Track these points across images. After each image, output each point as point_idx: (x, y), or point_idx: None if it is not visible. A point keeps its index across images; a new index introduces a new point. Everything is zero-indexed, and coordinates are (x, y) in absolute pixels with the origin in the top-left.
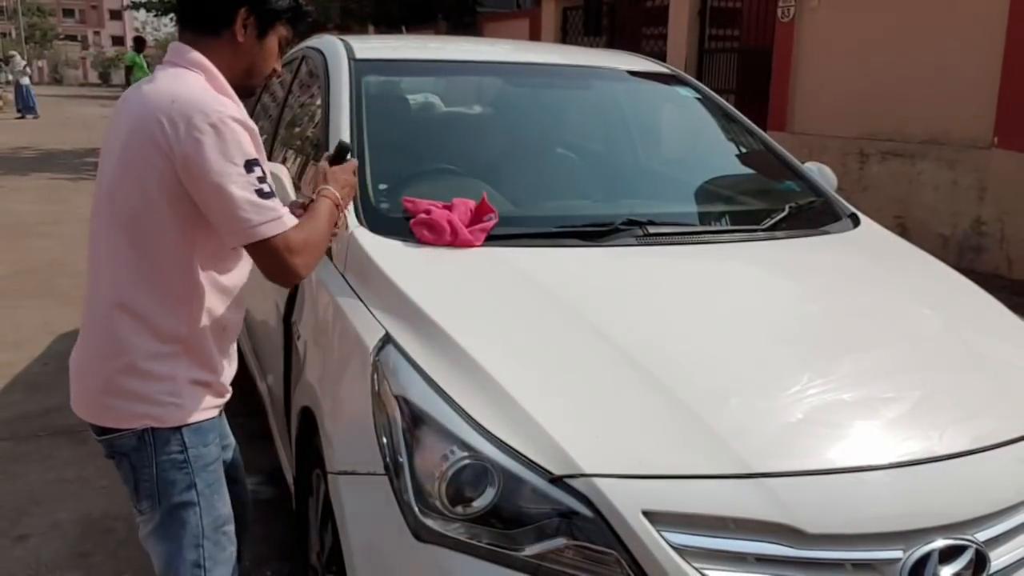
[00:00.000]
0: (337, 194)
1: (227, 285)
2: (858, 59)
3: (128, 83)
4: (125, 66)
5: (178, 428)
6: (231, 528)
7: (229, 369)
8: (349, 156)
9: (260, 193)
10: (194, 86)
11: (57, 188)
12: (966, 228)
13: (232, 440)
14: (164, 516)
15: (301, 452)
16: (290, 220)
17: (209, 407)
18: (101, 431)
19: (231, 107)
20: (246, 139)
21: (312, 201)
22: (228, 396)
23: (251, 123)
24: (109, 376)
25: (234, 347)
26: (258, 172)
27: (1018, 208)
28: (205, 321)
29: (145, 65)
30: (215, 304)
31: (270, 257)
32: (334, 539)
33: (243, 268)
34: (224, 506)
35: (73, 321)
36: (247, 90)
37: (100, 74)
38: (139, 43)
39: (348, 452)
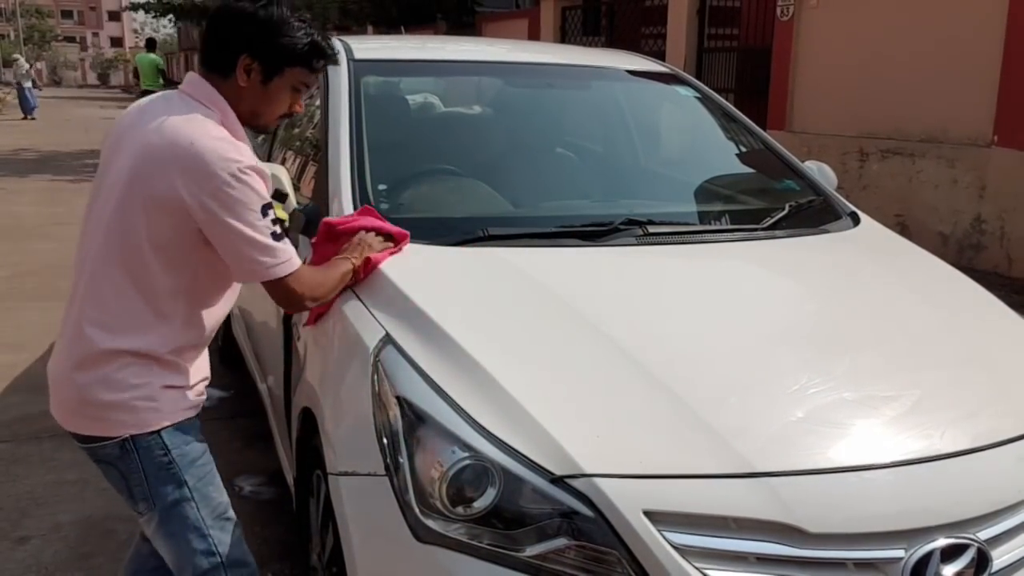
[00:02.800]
0: (358, 262)
1: (211, 315)
2: (857, 58)
3: (137, 83)
4: (133, 67)
5: (158, 431)
6: (232, 513)
7: (202, 374)
8: (287, 201)
9: (274, 236)
10: (212, 131)
11: (58, 190)
12: (966, 226)
13: None
14: (162, 515)
15: (302, 453)
16: (298, 261)
17: (186, 408)
18: (82, 439)
19: (247, 154)
20: (260, 185)
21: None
22: (204, 397)
23: (262, 167)
24: (84, 386)
25: (206, 352)
26: (271, 215)
27: (1018, 206)
28: (182, 342)
29: (161, 63)
30: (195, 330)
31: (281, 292)
32: (335, 540)
33: (228, 301)
34: (220, 494)
35: None
36: (257, 130)
37: (99, 75)
38: (151, 44)
39: (349, 453)
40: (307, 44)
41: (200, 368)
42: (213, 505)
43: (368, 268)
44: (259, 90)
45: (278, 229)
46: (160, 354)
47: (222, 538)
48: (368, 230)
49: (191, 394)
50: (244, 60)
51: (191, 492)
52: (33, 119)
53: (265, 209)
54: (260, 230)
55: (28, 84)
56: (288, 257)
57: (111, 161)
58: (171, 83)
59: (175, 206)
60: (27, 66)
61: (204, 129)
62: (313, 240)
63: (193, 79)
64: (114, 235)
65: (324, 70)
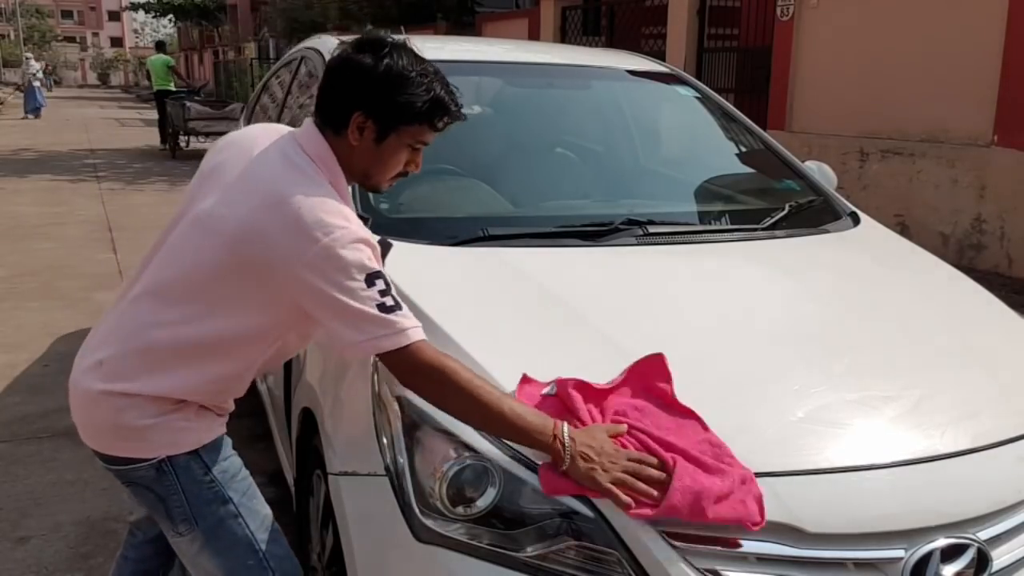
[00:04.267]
0: (564, 456)
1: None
2: (858, 57)
3: (150, 85)
4: (146, 71)
5: (195, 451)
6: (276, 524)
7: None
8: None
9: (382, 307)
10: (320, 194)
11: (57, 190)
12: (966, 226)
13: None
14: (208, 535)
15: (301, 453)
16: (417, 334)
17: (219, 424)
18: (111, 459)
19: (354, 221)
20: (367, 255)
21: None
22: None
23: (372, 239)
24: (118, 410)
25: None
26: (380, 286)
27: (1018, 206)
28: (229, 395)
29: (171, 62)
30: (242, 383)
31: (397, 368)
32: (335, 540)
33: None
34: (264, 507)
35: (74, 323)
36: (370, 189)
37: (99, 75)
38: (160, 46)
39: (348, 453)
40: (427, 102)
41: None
42: (260, 518)
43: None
44: (372, 149)
45: (389, 301)
46: (203, 402)
47: (273, 551)
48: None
49: (221, 411)
50: (357, 118)
51: (237, 508)
52: (38, 118)
53: (371, 279)
54: (363, 300)
55: (38, 84)
56: (400, 328)
57: (203, 193)
58: (183, 80)
59: (260, 268)
60: (37, 65)
61: (312, 193)
62: None
63: (309, 131)
64: (184, 280)
65: (448, 126)
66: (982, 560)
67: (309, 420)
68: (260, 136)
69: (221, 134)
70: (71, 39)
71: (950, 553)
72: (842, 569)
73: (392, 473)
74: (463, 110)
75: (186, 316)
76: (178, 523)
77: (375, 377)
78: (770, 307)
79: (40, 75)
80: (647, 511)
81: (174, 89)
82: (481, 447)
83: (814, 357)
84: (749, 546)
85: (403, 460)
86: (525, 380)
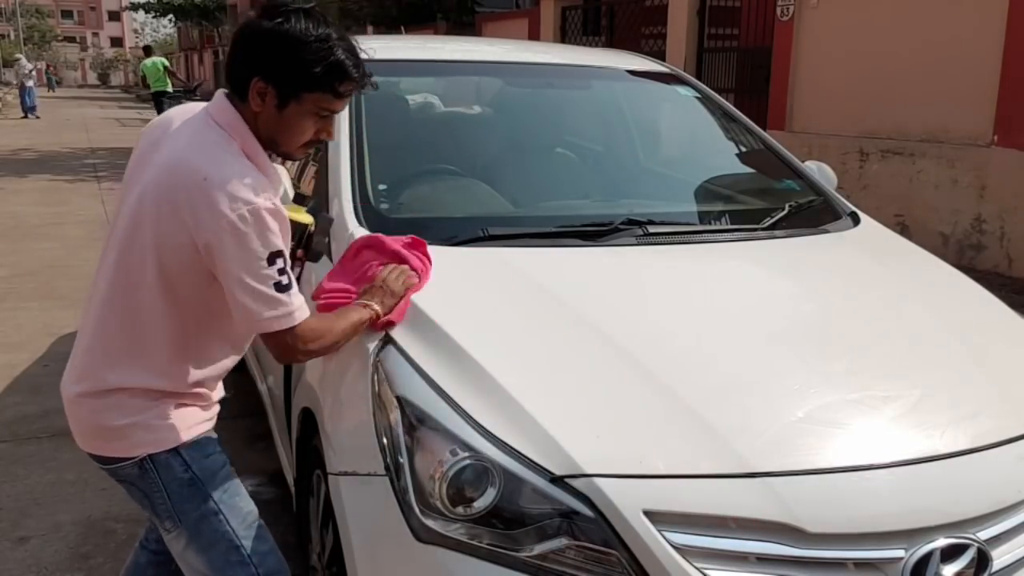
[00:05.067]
0: (379, 310)
1: (230, 350)
2: (858, 57)
3: (147, 88)
4: (141, 75)
5: (175, 448)
6: (261, 521)
7: (219, 393)
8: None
9: (277, 286)
10: (230, 164)
11: (57, 190)
12: (966, 226)
13: None
14: (191, 531)
15: (302, 453)
16: (302, 314)
17: (202, 422)
18: (101, 459)
19: (263, 193)
20: (274, 229)
21: (359, 302)
22: (217, 410)
23: (281, 210)
24: (96, 411)
25: None
26: (279, 264)
27: (1018, 206)
28: (198, 378)
29: (165, 63)
30: (211, 367)
31: (276, 344)
32: (335, 540)
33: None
34: (247, 503)
35: (74, 323)
36: (281, 156)
37: (99, 75)
38: (148, 50)
39: (349, 453)
40: (325, 66)
41: (217, 389)
42: (243, 515)
43: (382, 323)
44: (275, 116)
45: (285, 280)
46: (173, 390)
47: (256, 547)
48: (402, 262)
49: (204, 408)
50: (257, 84)
51: (218, 505)
52: (37, 118)
53: (273, 257)
54: (260, 278)
55: (30, 83)
56: (288, 311)
57: (132, 184)
58: (178, 80)
59: (182, 244)
60: (29, 66)
61: (220, 161)
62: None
63: (219, 101)
64: (122, 267)
65: (353, 94)
66: (982, 560)
67: (309, 420)
68: (175, 117)
69: None
70: (71, 39)
71: (950, 553)
72: (842, 569)
73: (392, 473)
74: (462, 110)
75: (135, 305)
76: (164, 520)
77: (375, 377)
78: (770, 307)
79: (33, 75)
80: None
81: (171, 90)
82: (481, 447)
83: (814, 357)
84: (749, 546)
85: (403, 460)
86: (323, 292)
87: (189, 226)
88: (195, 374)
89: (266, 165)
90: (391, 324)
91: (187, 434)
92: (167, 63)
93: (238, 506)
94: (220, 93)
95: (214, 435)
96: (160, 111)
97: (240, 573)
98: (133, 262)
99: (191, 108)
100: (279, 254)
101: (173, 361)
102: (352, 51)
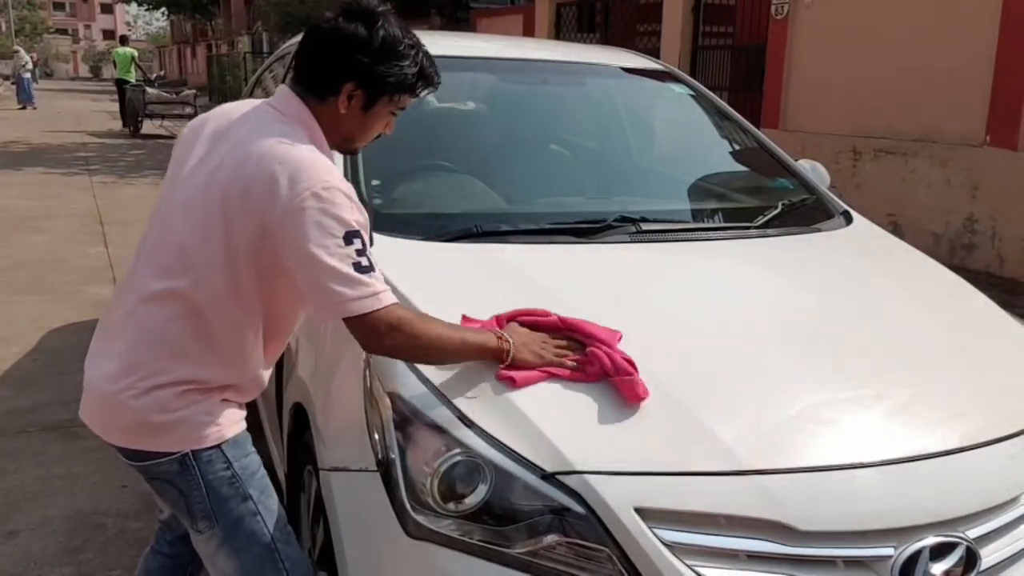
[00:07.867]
0: (511, 349)
1: (281, 344)
2: (852, 56)
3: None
4: (112, 60)
5: (218, 445)
6: (289, 527)
7: (260, 386)
8: None
9: (357, 267)
10: (301, 149)
11: (49, 183)
12: (958, 226)
13: None
14: (227, 532)
15: (293, 448)
16: (388, 297)
17: (240, 420)
18: (133, 455)
19: (336, 175)
20: (350, 208)
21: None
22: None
23: (354, 194)
24: (140, 409)
25: None
26: (357, 244)
27: (1010, 206)
28: (251, 374)
29: (134, 54)
30: (262, 362)
31: (361, 329)
32: (326, 535)
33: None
34: (279, 507)
35: (64, 316)
36: (345, 152)
37: (91, 68)
38: (124, 40)
39: (340, 448)
40: (416, 74)
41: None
42: (276, 517)
43: (504, 374)
44: (359, 116)
45: (364, 261)
46: (226, 383)
47: (289, 553)
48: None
49: (242, 407)
50: (348, 87)
51: (256, 506)
52: (35, 108)
53: (350, 237)
54: (341, 258)
55: (28, 76)
56: (372, 292)
57: (188, 178)
58: (144, 72)
59: (254, 235)
60: (27, 58)
61: (293, 147)
62: None
63: (284, 95)
64: (180, 262)
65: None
66: (971, 558)
67: (300, 415)
68: (234, 109)
69: (177, 116)
70: (63, 31)
71: (939, 551)
72: (832, 567)
73: (383, 469)
74: (456, 106)
75: (197, 301)
76: (198, 520)
77: (367, 372)
78: (762, 305)
79: (30, 67)
80: (581, 375)
81: (133, 81)
82: (472, 443)
83: (805, 355)
84: (739, 543)
85: (394, 456)
86: (465, 320)
87: (263, 211)
88: (249, 371)
89: (331, 157)
90: (511, 381)
91: (229, 431)
92: (136, 55)
93: (272, 508)
94: (285, 87)
95: (247, 434)
96: (122, 97)
97: None
98: (196, 257)
99: (248, 102)
100: (356, 234)
101: (231, 357)
102: (428, 54)
